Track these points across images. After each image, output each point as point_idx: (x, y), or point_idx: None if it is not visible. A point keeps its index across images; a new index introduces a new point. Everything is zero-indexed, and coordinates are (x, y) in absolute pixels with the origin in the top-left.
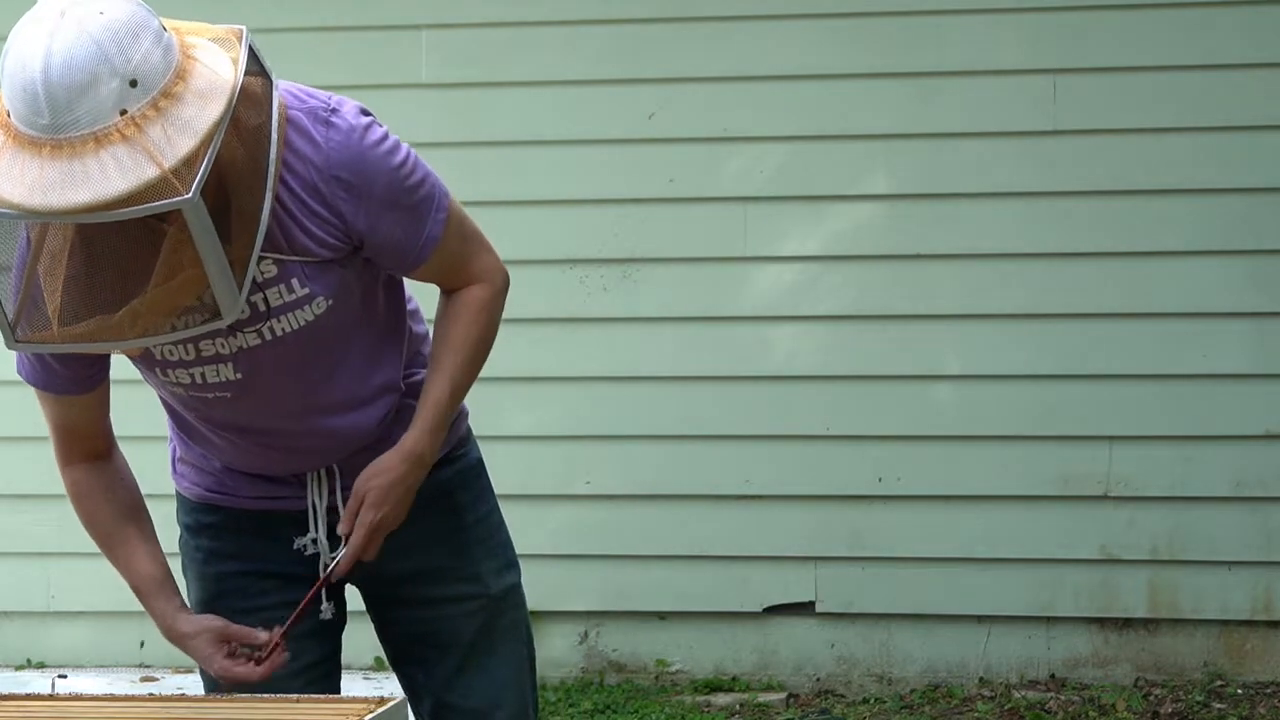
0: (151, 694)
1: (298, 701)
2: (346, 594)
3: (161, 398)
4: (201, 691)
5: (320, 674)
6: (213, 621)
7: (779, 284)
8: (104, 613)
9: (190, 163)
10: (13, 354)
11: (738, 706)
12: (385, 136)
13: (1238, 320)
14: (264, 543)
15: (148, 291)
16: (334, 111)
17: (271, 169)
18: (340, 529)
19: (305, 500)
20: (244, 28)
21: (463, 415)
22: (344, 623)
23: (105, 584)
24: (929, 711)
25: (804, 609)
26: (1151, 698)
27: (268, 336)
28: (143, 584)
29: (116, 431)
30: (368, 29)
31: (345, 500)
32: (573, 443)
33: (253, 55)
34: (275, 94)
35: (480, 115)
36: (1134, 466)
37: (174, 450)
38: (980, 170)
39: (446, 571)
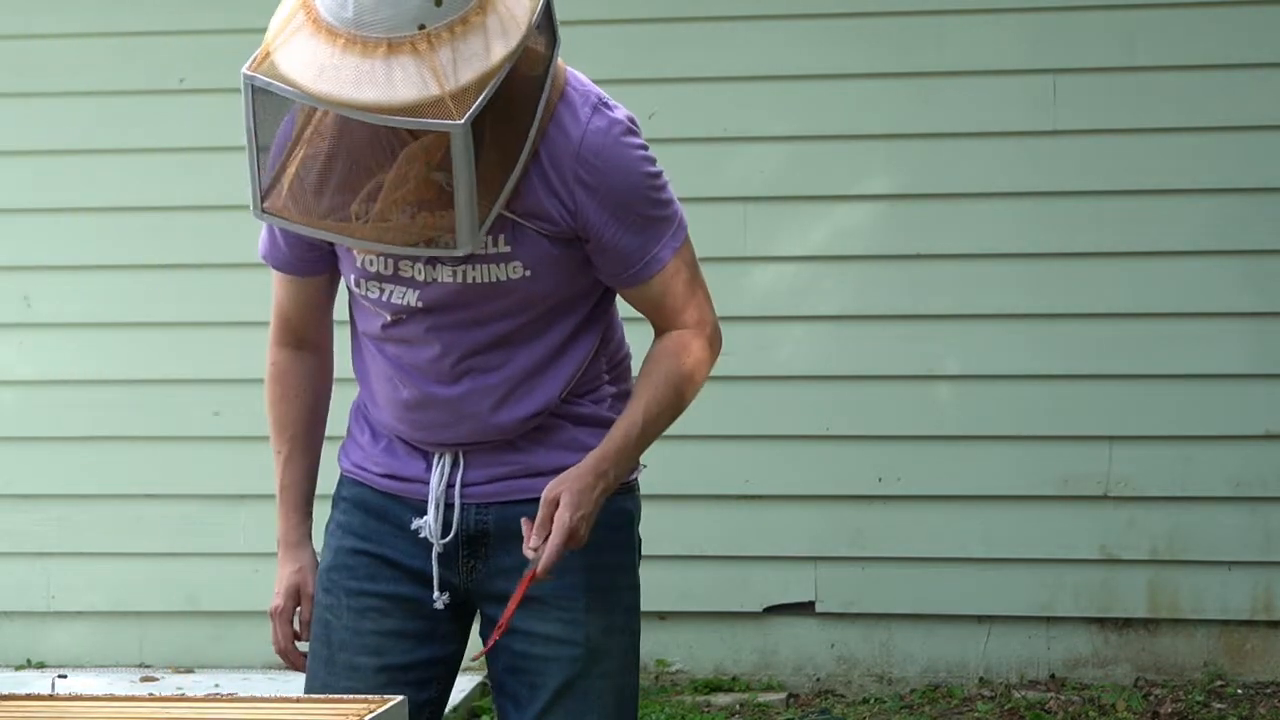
0: (151, 694)
1: (298, 701)
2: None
3: (353, 326)
4: (201, 692)
5: (410, 680)
6: (307, 589)
7: (779, 284)
8: (104, 613)
9: (470, 92)
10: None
11: (738, 706)
12: (646, 148)
13: (1238, 320)
14: (385, 527)
15: (395, 204)
16: (606, 104)
17: (535, 124)
18: (527, 546)
19: (428, 487)
20: None
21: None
22: (459, 649)
23: (105, 584)
24: (929, 711)
25: (804, 609)
26: (1151, 698)
27: (460, 279)
28: (290, 485)
29: None
30: None
31: (463, 493)
32: None
33: (547, 12)
34: (557, 54)
35: None
36: (1134, 466)
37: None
38: (980, 170)
39: (548, 606)
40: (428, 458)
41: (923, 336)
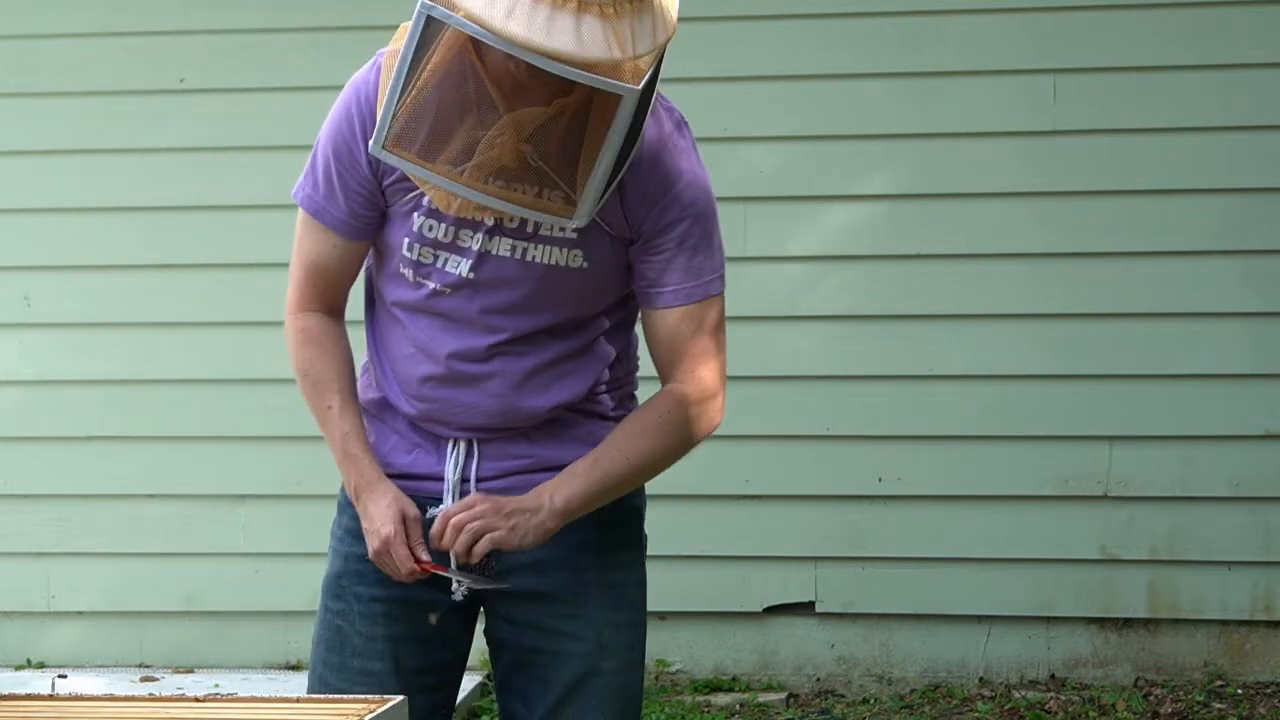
0: (151, 694)
1: (298, 701)
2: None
3: (378, 295)
4: (201, 692)
5: (424, 683)
6: (410, 512)
7: (779, 284)
8: (104, 613)
9: (645, 63)
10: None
11: (738, 706)
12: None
13: (1237, 320)
14: None
15: (524, 159)
16: (685, 125)
17: (646, 121)
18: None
19: (440, 484)
20: None
21: None
22: (466, 648)
23: (105, 584)
24: (929, 711)
25: (804, 609)
26: (1151, 698)
27: (518, 255)
28: (351, 432)
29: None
30: (367, 29)
31: (476, 486)
32: None
33: None
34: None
35: None
36: (1134, 466)
37: None
38: (980, 170)
39: (559, 601)
40: (439, 451)
41: (923, 336)
